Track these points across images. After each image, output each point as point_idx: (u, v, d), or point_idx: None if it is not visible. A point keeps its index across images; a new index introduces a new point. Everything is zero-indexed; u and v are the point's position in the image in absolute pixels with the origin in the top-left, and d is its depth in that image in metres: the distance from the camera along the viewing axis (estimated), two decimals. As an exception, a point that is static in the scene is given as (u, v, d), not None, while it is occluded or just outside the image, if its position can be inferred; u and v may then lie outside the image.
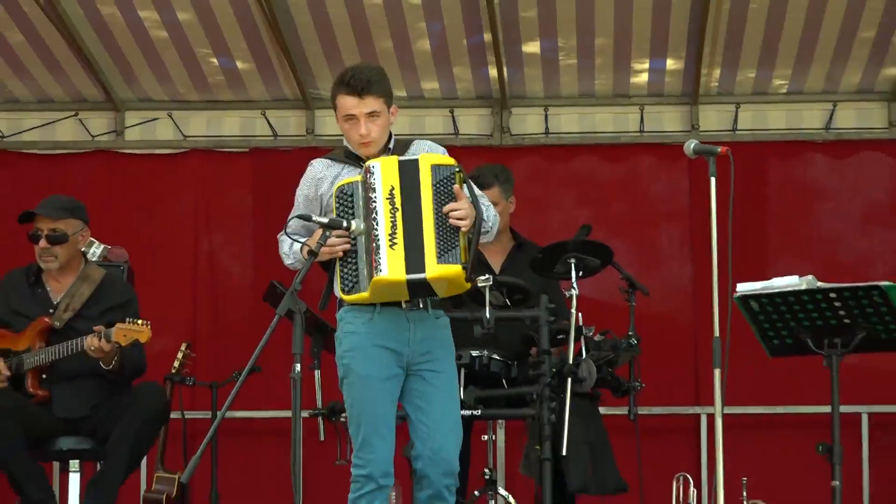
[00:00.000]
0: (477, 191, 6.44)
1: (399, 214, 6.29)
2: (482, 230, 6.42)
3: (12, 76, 10.28)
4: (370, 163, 6.39)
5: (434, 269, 6.25)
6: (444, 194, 6.33)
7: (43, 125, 10.71)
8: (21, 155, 10.69)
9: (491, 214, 6.48)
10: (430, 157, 6.42)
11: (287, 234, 6.46)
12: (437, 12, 9.46)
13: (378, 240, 6.31)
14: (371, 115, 6.47)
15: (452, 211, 6.27)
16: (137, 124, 10.74)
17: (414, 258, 6.29)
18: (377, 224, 6.33)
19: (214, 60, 10.12)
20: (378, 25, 9.58)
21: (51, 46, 9.86)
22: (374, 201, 6.34)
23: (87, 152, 10.71)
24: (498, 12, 9.37)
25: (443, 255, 6.28)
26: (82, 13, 9.48)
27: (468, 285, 6.42)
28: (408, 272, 6.26)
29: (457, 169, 6.38)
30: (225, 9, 9.42)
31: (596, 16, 9.49)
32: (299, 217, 6.44)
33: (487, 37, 9.70)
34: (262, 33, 9.71)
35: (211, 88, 10.52)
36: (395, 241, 6.28)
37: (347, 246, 6.36)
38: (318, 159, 6.74)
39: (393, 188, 6.31)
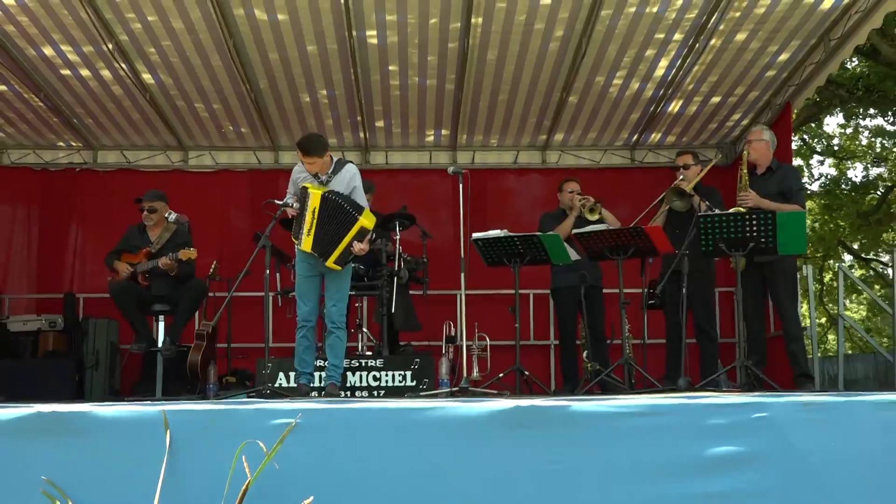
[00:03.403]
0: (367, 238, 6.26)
1: (315, 222, 6.12)
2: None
3: (134, 134, 9.85)
4: (309, 189, 6.21)
5: (330, 262, 6.14)
6: (360, 236, 6.15)
7: (147, 157, 10.27)
8: (138, 172, 10.21)
9: (366, 251, 6.31)
10: (368, 221, 6.17)
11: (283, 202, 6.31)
12: (336, 107, 9.23)
13: (302, 228, 6.15)
14: (311, 163, 6.28)
15: (359, 248, 6.14)
16: (194, 157, 10.32)
17: (322, 247, 6.12)
18: (304, 221, 6.17)
19: (231, 127, 9.75)
20: (308, 113, 9.32)
21: (151, 119, 9.46)
22: (305, 209, 6.17)
23: (169, 171, 10.26)
24: (363, 108, 9.19)
25: (338, 261, 6.16)
26: (169, 106, 9.14)
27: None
28: (312, 249, 6.11)
29: (371, 230, 6.20)
30: (236, 105, 9.13)
31: (409, 110, 9.34)
32: (280, 202, 6.29)
33: (359, 118, 9.49)
34: (254, 116, 9.40)
35: (229, 140, 10.13)
36: (310, 232, 6.11)
37: (294, 212, 6.23)
38: (298, 164, 6.48)
39: (315, 208, 6.13)
